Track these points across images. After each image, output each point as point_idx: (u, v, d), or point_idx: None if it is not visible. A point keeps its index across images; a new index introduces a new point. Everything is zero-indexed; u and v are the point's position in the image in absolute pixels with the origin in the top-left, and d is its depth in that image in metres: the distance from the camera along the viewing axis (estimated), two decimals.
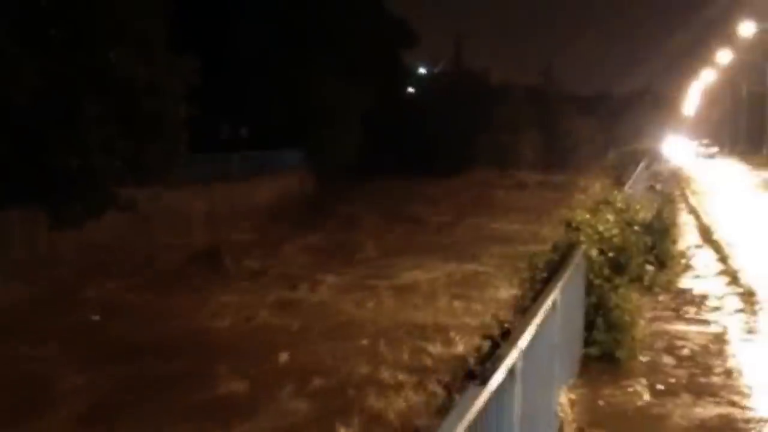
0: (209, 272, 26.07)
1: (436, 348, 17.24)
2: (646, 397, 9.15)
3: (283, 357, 17.15)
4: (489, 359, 5.30)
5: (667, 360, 10.53)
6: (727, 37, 71.59)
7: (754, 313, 13.03)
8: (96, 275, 24.47)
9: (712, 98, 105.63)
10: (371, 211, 39.31)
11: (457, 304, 21.40)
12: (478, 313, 18.58)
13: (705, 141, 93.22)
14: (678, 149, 78.81)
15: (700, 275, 16.36)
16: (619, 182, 22.22)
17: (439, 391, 6.87)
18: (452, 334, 17.92)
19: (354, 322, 20.15)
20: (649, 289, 13.71)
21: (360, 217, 38.00)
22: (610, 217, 12.66)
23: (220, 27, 44.68)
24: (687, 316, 12.94)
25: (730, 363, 10.42)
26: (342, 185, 47.40)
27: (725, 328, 12.13)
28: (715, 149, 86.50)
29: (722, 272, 16.56)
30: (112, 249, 26.76)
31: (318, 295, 23.34)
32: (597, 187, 18.16)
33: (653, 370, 10.05)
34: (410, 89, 72.56)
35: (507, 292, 16.15)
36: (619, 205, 14.67)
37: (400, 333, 18.72)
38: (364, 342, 18.16)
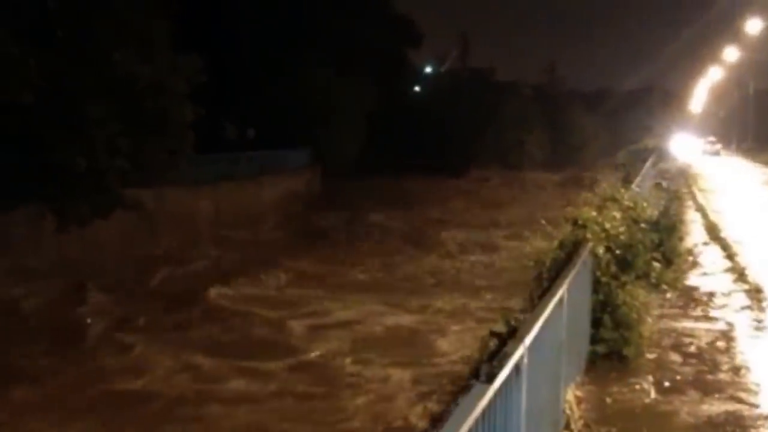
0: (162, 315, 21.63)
1: None
2: (653, 394, 9.12)
3: None
4: (495, 356, 5.27)
5: (675, 357, 10.50)
6: (734, 35, 71.37)
7: (761, 309, 12.99)
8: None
9: (719, 96, 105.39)
10: (369, 221, 38.20)
11: None
12: None
13: (710, 138, 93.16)
14: (685, 147, 78.60)
15: (708, 272, 16.31)
16: (627, 180, 22.16)
17: None
18: None
19: None
20: (656, 287, 13.66)
21: (355, 233, 35.80)
22: (617, 214, 12.60)
23: (225, 28, 44.76)
24: (694, 313, 12.89)
25: (738, 360, 10.38)
26: (347, 187, 47.28)
27: (732, 325, 12.09)
28: (718, 146, 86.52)
29: (729, 269, 16.51)
30: (113, 250, 26.79)
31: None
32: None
33: (660, 368, 10.02)
34: (416, 88, 72.55)
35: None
36: (626, 202, 14.61)
37: None
38: None
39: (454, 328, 20.16)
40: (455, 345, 18.24)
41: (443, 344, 18.92)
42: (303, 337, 19.82)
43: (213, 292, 24.10)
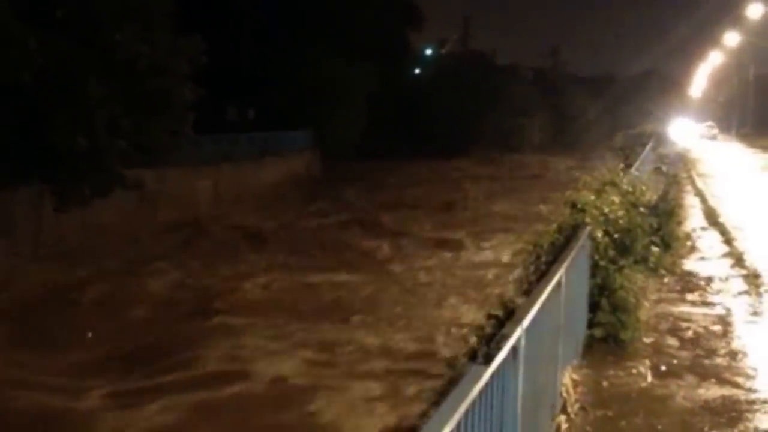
0: None
1: None
2: (650, 378, 9.15)
3: None
4: (492, 338, 5.30)
5: (672, 341, 10.52)
6: (735, 20, 71.14)
7: (758, 295, 13.00)
8: None
9: (719, 81, 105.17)
10: (362, 211, 36.92)
11: None
12: None
13: (709, 123, 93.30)
14: (685, 132, 78.52)
15: (705, 257, 16.33)
16: (627, 164, 22.16)
17: None
18: None
19: None
20: (654, 271, 13.68)
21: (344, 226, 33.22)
22: (616, 198, 12.62)
23: (226, 10, 44.68)
24: (691, 298, 12.91)
25: (735, 345, 10.41)
26: (346, 170, 47.14)
27: (730, 310, 12.11)
28: (715, 131, 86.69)
29: (727, 254, 16.52)
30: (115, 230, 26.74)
31: None
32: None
33: (657, 352, 10.04)
34: (417, 70, 72.38)
35: None
36: (624, 186, 14.62)
37: None
38: None
39: (359, 384, 15.04)
40: (343, 419, 13.66)
41: (325, 418, 13.63)
42: (131, 413, 14.12)
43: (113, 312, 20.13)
